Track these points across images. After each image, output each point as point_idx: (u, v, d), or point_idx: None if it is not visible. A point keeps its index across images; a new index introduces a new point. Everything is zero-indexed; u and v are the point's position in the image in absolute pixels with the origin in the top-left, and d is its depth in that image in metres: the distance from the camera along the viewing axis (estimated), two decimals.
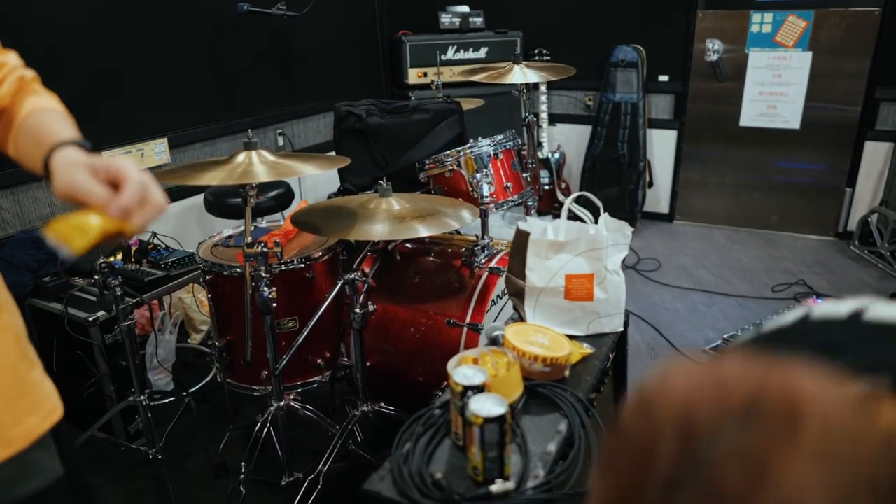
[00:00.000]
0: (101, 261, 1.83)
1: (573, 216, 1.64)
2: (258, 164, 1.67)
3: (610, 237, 1.44)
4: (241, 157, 1.70)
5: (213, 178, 1.62)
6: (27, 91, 0.94)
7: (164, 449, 2.03)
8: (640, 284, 3.61)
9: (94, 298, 2.21)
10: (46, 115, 0.91)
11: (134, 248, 2.28)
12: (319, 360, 2.09)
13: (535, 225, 1.50)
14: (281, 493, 1.90)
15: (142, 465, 2.19)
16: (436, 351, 1.97)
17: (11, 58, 0.95)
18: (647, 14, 4.27)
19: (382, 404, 2.04)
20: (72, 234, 0.73)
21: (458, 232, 2.39)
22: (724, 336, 2.90)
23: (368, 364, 2.02)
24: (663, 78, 4.37)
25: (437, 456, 1.11)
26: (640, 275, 3.73)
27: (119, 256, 2.21)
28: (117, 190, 0.77)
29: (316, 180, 3.84)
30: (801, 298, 3.34)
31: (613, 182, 4.40)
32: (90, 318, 2.13)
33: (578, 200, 1.70)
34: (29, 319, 2.33)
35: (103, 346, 2.17)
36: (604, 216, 1.51)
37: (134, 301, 2.09)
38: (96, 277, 1.87)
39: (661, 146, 4.49)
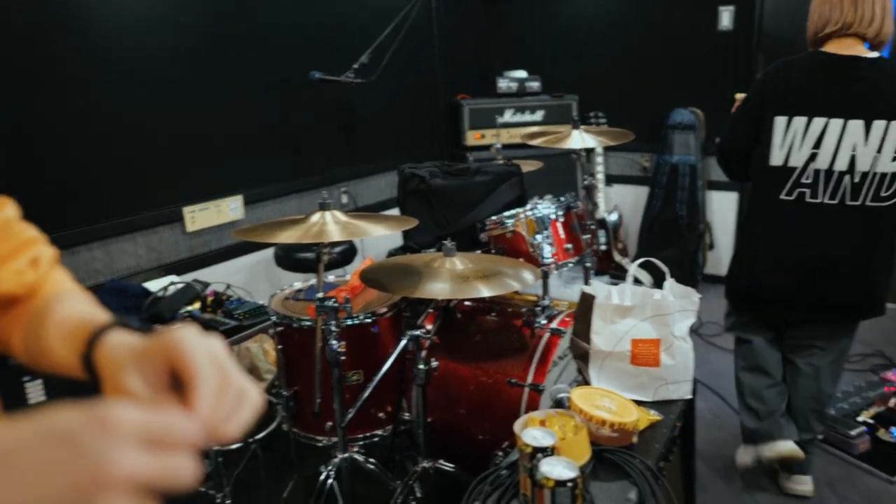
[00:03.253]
0: (184, 310, 1.94)
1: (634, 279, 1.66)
2: (332, 224, 1.77)
3: (677, 303, 1.45)
4: (315, 216, 1.80)
5: (289, 236, 1.72)
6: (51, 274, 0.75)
7: (232, 493, 2.08)
8: (703, 349, 3.53)
9: None
10: (70, 298, 0.70)
11: (210, 298, 2.41)
12: (381, 414, 2.13)
13: (600, 288, 1.52)
14: None
15: None
16: (496, 410, 1.99)
17: (33, 233, 0.75)
18: (703, 77, 4.31)
19: (441, 461, 2.05)
20: None
21: (516, 291, 2.43)
22: None
23: (429, 420, 2.05)
24: None
25: None
26: (703, 339, 3.65)
27: (197, 305, 2.33)
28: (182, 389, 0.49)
29: (377, 237, 3.96)
30: (878, 370, 3.19)
31: (672, 243, 4.37)
32: None
33: (641, 265, 1.72)
34: None
35: None
36: (669, 281, 1.53)
37: None
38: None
39: (722, 208, 4.45)
